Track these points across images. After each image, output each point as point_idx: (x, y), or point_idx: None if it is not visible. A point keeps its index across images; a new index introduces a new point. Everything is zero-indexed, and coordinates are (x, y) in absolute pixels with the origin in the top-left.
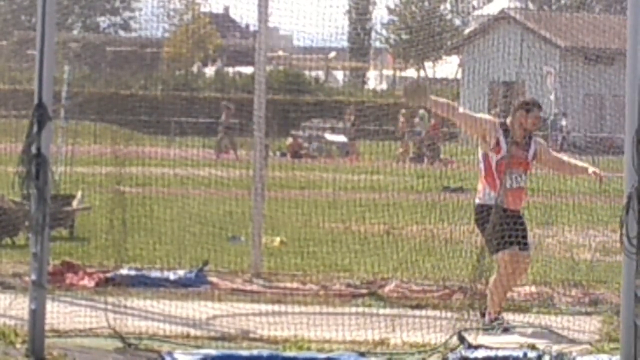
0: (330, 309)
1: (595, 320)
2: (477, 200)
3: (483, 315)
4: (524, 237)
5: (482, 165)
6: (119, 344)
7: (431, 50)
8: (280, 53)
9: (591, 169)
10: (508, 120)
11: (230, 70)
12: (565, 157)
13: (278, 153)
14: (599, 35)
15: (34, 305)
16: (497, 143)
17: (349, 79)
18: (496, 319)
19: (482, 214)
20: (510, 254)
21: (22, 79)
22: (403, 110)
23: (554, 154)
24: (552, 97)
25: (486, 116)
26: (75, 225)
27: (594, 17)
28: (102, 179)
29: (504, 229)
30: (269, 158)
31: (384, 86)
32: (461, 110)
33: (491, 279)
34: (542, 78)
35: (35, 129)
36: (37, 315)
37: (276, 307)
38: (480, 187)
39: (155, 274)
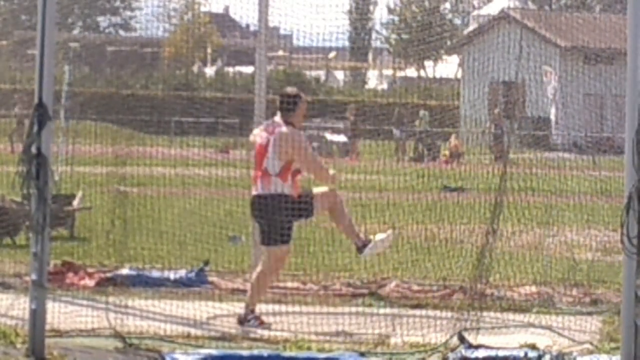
0: (331, 309)
1: (596, 320)
2: (257, 191)
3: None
4: None
5: (277, 169)
6: (120, 344)
7: (431, 50)
8: (281, 53)
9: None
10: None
11: (231, 70)
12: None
13: None
14: (599, 34)
15: (34, 305)
16: None
17: (349, 79)
18: (252, 311)
19: (266, 201)
20: (288, 249)
21: (23, 79)
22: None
23: None
24: (550, 96)
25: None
26: (76, 225)
27: (594, 17)
28: (102, 179)
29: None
30: None
31: (384, 86)
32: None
33: (255, 273)
34: (541, 77)
35: (35, 128)
36: (37, 315)
37: (276, 307)
38: (264, 180)
39: (155, 273)
